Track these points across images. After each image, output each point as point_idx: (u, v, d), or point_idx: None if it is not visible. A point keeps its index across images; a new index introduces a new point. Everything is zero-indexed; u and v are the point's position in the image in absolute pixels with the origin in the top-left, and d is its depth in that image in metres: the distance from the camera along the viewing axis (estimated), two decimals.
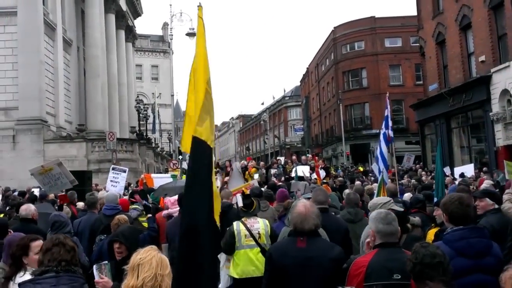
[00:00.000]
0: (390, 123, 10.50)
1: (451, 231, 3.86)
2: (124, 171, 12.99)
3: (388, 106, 10.95)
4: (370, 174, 21.27)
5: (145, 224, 7.28)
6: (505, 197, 6.35)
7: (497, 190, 9.07)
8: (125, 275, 2.99)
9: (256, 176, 15.22)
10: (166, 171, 27.58)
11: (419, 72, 35.08)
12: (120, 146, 26.46)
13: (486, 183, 10.06)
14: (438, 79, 27.39)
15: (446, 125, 26.64)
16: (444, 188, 8.94)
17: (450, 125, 26.63)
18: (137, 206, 7.90)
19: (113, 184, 12.31)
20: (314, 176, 15.07)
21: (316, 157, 20.19)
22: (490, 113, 21.69)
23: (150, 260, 2.96)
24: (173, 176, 14.64)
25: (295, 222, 3.97)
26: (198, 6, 3.07)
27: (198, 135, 2.81)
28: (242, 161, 22.55)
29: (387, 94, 11.72)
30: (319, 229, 4.19)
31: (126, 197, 9.91)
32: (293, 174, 15.32)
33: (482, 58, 22.37)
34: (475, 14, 22.87)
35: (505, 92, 20.80)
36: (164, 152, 46.50)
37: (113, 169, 13.09)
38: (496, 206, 5.53)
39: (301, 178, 13.98)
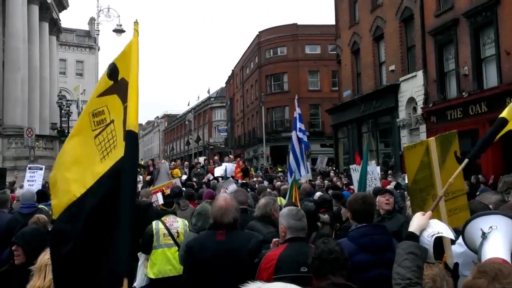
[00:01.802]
0: (299, 125, 10.50)
1: (355, 228, 4.00)
2: (41, 169, 12.42)
3: (297, 109, 10.98)
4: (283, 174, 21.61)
5: None
6: (408, 203, 6.62)
7: (398, 191, 9.56)
8: (31, 275, 2.83)
9: (184, 176, 15.11)
10: None
11: (335, 79, 36.13)
12: (39, 143, 25.12)
13: (391, 185, 10.59)
14: (352, 86, 28.42)
15: (357, 129, 27.64)
16: (366, 185, 9.28)
17: (361, 130, 27.66)
18: (43, 206, 7.48)
19: (30, 184, 11.77)
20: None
21: (238, 158, 20.29)
22: (397, 119, 22.83)
23: None
24: None
25: (215, 215, 3.99)
26: (134, 22, 3.01)
27: (132, 128, 2.74)
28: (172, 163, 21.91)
29: (296, 97, 11.75)
30: None
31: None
32: (217, 174, 15.32)
33: (392, 67, 23.49)
34: (388, 25, 23.97)
35: (411, 100, 21.99)
36: None
37: (29, 168, 12.48)
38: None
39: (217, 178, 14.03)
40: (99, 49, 48.11)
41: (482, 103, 16.96)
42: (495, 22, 16.60)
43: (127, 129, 2.66)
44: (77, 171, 2.94)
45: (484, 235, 1.82)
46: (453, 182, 2.80)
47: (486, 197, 4.79)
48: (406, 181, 8.77)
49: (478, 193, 7.77)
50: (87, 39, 60.38)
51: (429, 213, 2.48)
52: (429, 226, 2.41)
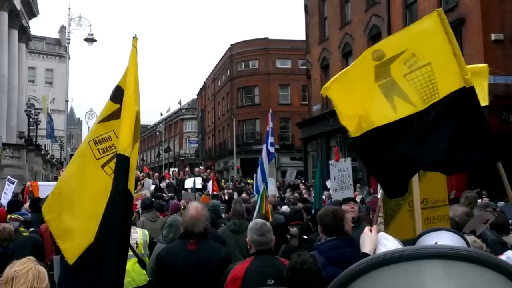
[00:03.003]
0: (270, 139, 10.52)
1: (324, 241, 4.03)
2: (13, 183, 12.24)
3: (270, 123, 11.01)
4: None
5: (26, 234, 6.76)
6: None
7: (364, 205, 9.72)
8: None
9: (152, 186, 14.96)
10: (55, 180, 25.86)
11: (305, 93, 36.41)
12: (6, 152, 24.42)
13: (358, 199, 10.77)
14: (321, 101, 28.72)
15: (326, 143, 27.84)
16: (321, 200, 9.36)
17: (329, 144, 27.85)
18: (18, 217, 7.31)
19: (4, 196, 11.60)
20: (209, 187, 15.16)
21: (209, 170, 20.30)
22: None
23: (26, 272, 2.74)
24: None
25: (187, 225, 3.99)
26: (133, 37, 2.91)
27: (122, 151, 2.54)
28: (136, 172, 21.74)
29: (270, 111, 11.78)
30: None
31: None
32: (188, 186, 15.28)
33: None
34: (356, 42, 24.39)
35: None
36: (55, 159, 43.79)
37: (8, 180, 12.39)
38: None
39: (196, 189, 14.01)
40: (69, 58, 47.14)
41: None
42: (459, 41, 17.09)
43: (118, 152, 2.50)
44: (93, 206, 2.73)
45: None
46: (433, 192, 2.85)
47: (454, 209, 4.91)
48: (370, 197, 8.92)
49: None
50: (57, 47, 59.41)
51: (375, 227, 2.45)
52: (380, 244, 2.36)
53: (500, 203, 9.98)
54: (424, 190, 2.83)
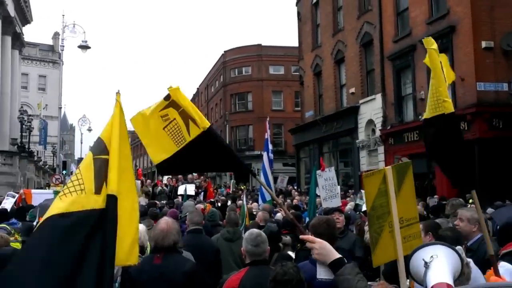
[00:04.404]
0: (270, 146, 10.65)
1: None
2: (13, 197, 12.21)
3: (268, 130, 11.11)
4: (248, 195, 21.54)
5: (15, 245, 6.67)
6: (367, 228, 6.60)
7: (357, 212, 9.70)
8: None
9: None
10: (47, 186, 25.66)
11: (298, 99, 36.50)
12: None
13: (350, 205, 10.74)
14: (314, 107, 28.82)
15: (318, 149, 27.86)
16: (315, 209, 9.34)
17: (322, 150, 27.88)
18: (5, 225, 7.21)
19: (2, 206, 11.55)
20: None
21: (202, 177, 20.19)
22: (357, 141, 23.24)
23: None
24: (56, 192, 13.59)
25: (157, 238, 4.04)
26: (117, 92, 2.95)
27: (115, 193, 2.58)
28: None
29: (268, 119, 11.85)
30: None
31: None
32: (180, 192, 15.14)
33: (352, 90, 23.97)
34: (348, 49, 24.52)
35: (370, 122, 22.47)
36: (47, 166, 43.59)
37: (7, 194, 12.56)
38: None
39: (188, 196, 13.88)
40: (63, 64, 47.07)
41: None
42: (450, 48, 17.15)
43: (108, 193, 2.60)
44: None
45: (426, 265, 1.89)
46: (407, 210, 2.89)
47: (461, 213, 4.89)
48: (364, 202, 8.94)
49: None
50: (50, 54, 59.20)
51: None
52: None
53: (490, 210, 10.03)
54: (399, 210, 2.86)
